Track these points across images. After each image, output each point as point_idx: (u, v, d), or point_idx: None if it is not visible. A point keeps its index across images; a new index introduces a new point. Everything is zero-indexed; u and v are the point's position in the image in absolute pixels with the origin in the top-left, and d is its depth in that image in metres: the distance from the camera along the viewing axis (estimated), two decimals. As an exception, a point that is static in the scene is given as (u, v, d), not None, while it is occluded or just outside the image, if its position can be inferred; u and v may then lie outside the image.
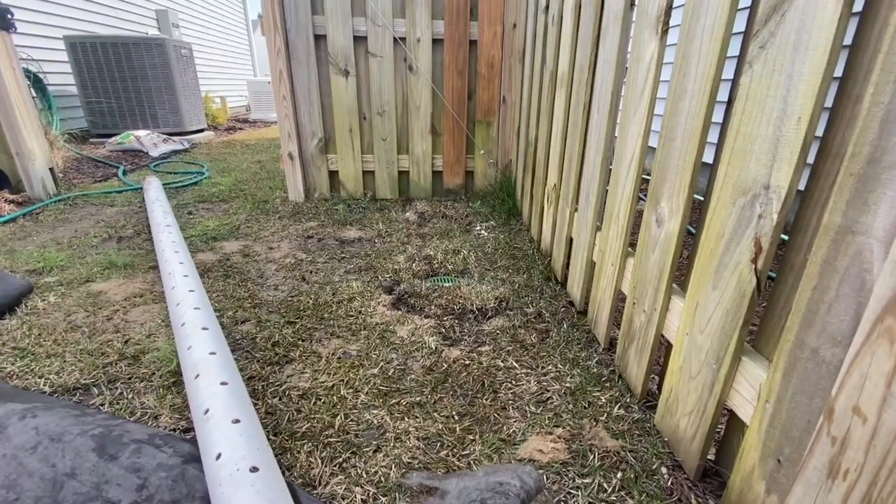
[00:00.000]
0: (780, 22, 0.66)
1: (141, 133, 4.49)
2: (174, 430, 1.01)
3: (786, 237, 1.32)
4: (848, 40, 0.60)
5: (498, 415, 1.08)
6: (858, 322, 0.53)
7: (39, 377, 1.17)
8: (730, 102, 0.84)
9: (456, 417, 1.07)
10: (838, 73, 0.60)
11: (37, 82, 3.82)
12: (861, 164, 0.53)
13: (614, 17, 1.22)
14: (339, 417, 1.05)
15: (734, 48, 1.33)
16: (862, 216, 0.53)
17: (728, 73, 2.23)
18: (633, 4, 1.18)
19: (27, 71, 3.42)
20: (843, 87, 0.64)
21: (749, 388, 0.76)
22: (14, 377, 1.17)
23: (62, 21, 4.85)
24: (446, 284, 1.72)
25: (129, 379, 1.17)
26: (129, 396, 1.11)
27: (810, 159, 0.62)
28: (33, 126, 2.68)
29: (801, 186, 0.68)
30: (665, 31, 0.99)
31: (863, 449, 0.52)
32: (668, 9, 0.97)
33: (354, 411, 1.08)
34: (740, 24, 2.14)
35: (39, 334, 1.35)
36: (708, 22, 0.83)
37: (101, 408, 1.07)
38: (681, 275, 1.56)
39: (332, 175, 2.90)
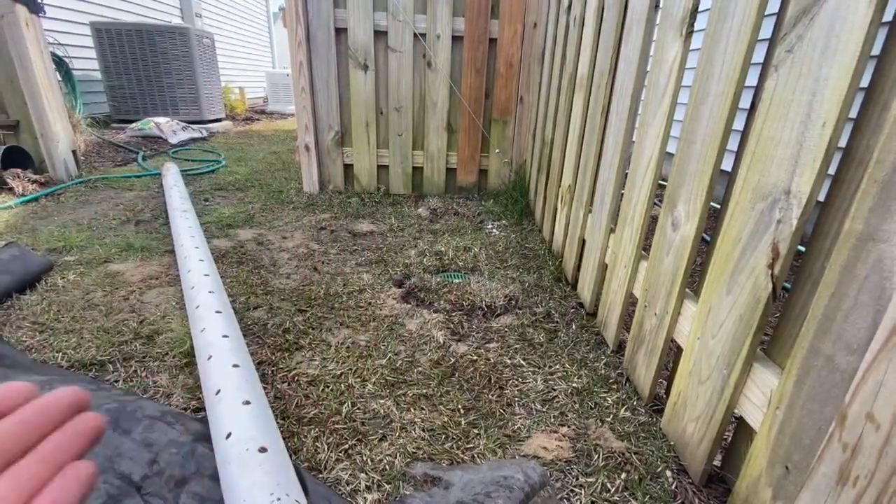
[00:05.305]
0: (808, 25, 0.65)
1: (161, 120, 4.56)
2: (185, 409, 1.03)
3: (801, 248, 1.31)
4: (875, 50, 0.59)
5: (503, 411, 1.08)
6: (876, 330, 0.53)
7: (57, 352, 1.20)
8: (751, 108, 0.83)
9: (462, 411, 1.07)
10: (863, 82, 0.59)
11: (62, 66, 3.89)
12: (886, 170, 0.52)
13: (638, 19, 1.22)
14: (346, 405, 1.07)
15: (757, 55, 1.32)
16: (884, 223, 0.53)
17: (749, 80, 2.20)
18: (657, 6, 1.17)
19: (53, 55, 3.48)
20: (870, 94, 0.63)
21: (759, 394, 0.75)
22: (33, 350, 1.20)
23: (89, 7, 4.94)
24: (456, 281, 1.73)
25: (144, 358, 1.20)
26: (143, 374, 1.13)
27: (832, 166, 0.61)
28: (58, 108, 2.74)
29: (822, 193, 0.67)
30: (690, 33, 0.98)
31: (874, 456, 0.52)
32: (694, 10, 0.96)
33: (361, 400, 1.09)
34: (764, 31, 2.10)
35: (58, 311, 1.38)
36: (735, 24, 0.82)
37: (116, 384, 1.10)
38: (692, 281, 1.54)
39: (347, 168, 2.92)
